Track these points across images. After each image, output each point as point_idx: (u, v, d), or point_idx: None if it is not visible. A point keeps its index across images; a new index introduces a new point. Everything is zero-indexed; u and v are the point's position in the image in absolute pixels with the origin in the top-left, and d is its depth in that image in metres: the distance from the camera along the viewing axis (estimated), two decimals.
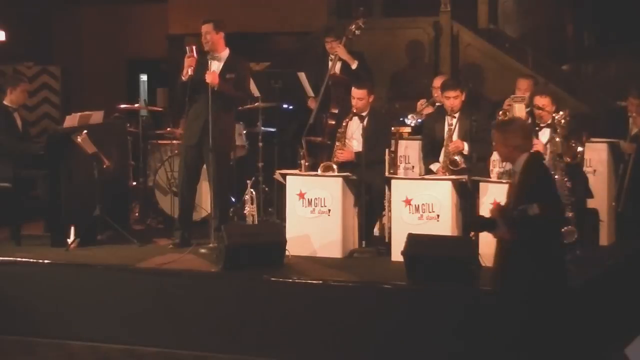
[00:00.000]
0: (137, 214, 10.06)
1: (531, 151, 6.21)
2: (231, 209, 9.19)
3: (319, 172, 8.48)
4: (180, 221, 8.73)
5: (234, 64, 8.61)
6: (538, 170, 6.09)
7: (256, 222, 8.80)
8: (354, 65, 9.66)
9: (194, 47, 8.43)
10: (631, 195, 8.96)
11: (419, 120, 9.28)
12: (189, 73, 8.35)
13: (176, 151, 9.75)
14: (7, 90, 9.23)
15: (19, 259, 8.16)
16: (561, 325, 6.60)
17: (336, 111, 9.16)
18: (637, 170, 9.05)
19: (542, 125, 8.07)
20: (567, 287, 6.19)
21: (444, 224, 7.91)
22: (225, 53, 8.61)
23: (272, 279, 7.51)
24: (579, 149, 7.84)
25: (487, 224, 6.30)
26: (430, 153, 8.61)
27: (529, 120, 8.52)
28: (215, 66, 8.50)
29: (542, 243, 5.97)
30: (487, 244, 7.69)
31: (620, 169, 9.07)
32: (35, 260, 8.10)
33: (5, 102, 9.20)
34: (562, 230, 7.59)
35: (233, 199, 9.36)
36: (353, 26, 9.62)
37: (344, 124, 8.64)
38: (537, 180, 6.06)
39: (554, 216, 5.93)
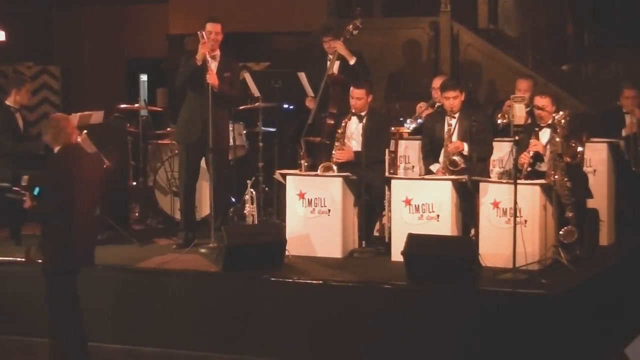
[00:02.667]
0: (137, 214, 10.06)
1: (68, 144, 6.82)
2: (231, 209, 9.19)
3: (319, 172, 8.48)
4: (184, 222, 8.74)
5: (228, 64, 8.73)
6: (52, 162, 6.82)
7: (256, 222, 8.80)
8: (352, 61, 9.63)
9: (204, 34, 8.47)
10: None
11: (419, 121, 9.28)
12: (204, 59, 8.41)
13: (176, 151, 9.73)
14: (13, 91, 9.21)
15: (19, 259, 8.16)
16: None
17: (335, 111, 9.15)
18: None
19: (542, 125, 8.06)
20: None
21: (444, 224, 7.91)
22: (218, 53, 8.68)
23: (272, 279, 7.51)
24: (579, 149, 7.82)
25: None
26: (430, 153, 8.60)
27: (529, 120, 8.52)
28: (212, 66, 8.54)
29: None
30: (487, 243, 7.71)
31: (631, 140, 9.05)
32: (35, 260, 8.09)
33: (7, 102, 9.19)
34: (563, 230, 7.65)
35: (233, 199, 9.35)
36: (351, 26, 9.59)
37: (342, 123, 8.64)
38: (46, 170, 6.78)
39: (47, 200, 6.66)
